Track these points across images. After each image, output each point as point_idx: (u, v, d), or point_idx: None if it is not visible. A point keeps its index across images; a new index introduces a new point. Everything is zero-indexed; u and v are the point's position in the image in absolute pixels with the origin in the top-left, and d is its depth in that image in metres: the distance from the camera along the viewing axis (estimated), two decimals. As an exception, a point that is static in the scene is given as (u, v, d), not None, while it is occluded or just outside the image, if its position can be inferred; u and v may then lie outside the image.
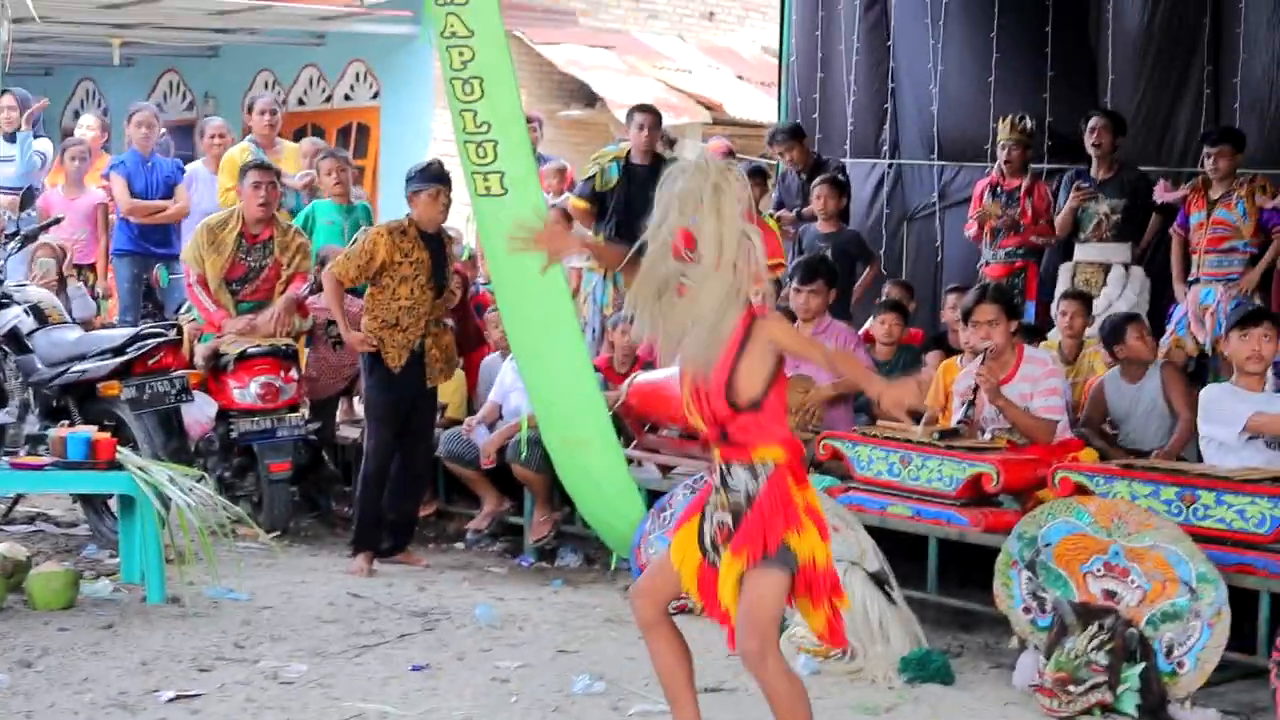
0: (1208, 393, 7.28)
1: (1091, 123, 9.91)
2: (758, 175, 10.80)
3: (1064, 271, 10.01)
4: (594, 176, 10.38)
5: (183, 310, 9.89)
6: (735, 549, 4.88)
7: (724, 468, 4.92)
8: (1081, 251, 9.95)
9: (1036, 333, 9.08)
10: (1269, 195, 9.29)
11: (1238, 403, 6.99)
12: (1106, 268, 9.86)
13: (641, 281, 4.88)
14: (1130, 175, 9.90)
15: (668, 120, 15.38)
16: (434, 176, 8.48)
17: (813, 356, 5.10)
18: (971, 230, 10.51)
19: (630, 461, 8.42)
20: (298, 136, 13.42)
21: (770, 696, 4.93)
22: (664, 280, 4.82)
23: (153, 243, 11.56)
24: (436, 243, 8.52)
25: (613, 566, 8.46)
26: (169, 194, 11.57)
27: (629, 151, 10.37)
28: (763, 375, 4.85)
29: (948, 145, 11.56)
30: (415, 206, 8.46)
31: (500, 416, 9.24)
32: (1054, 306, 9.80)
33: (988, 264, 10.37)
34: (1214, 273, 9.38)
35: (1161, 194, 9.74)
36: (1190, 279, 9.52)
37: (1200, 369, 9.46)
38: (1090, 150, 9.91)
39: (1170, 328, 9.53)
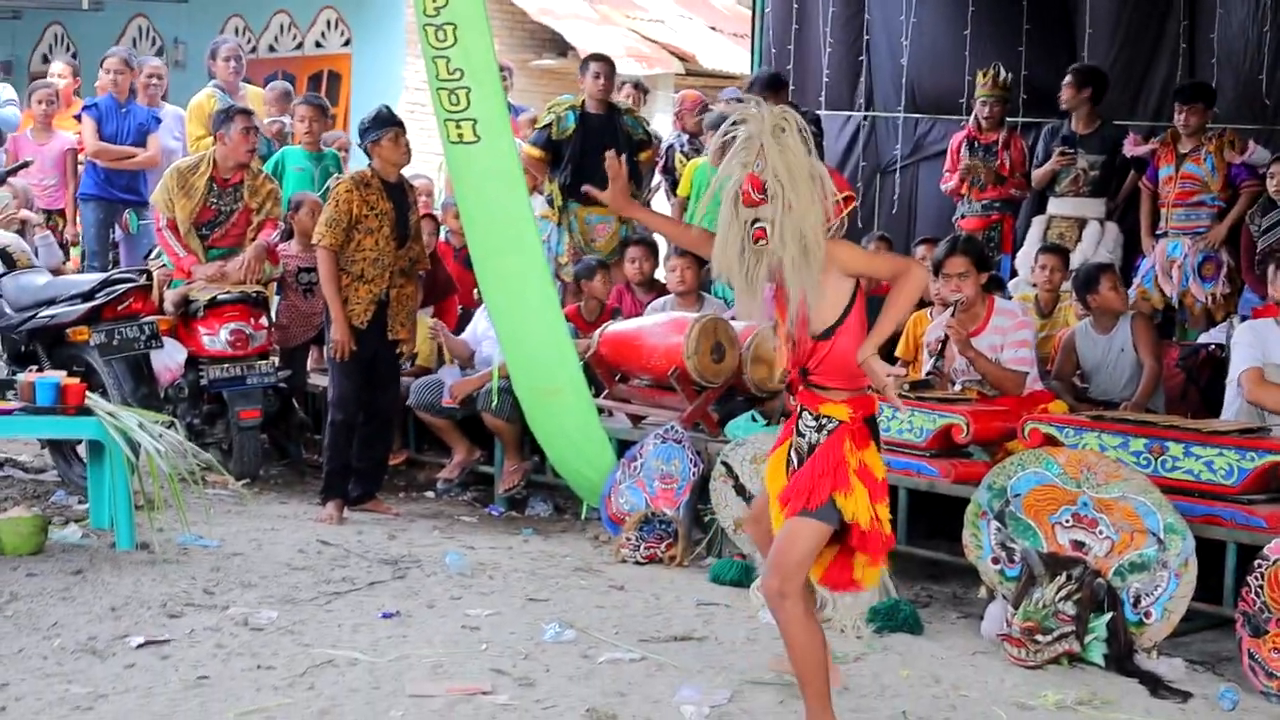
0: (1243, 326, 7.23)
1: (1065, 79, 9.92)
2: None
3: (1037, 224, 10.00)
4: (550, 125, 10.34)
5: (152, 256, 9.84)
6: (782, 500, 5.08)
7: (799, 410, 5.11)
8: (1056, 205, 9.95)
9: (1003, 286, 9.10)
10: (1237, 151, 9.30)
11: (1260, 342, 6.92)
12: (1081, 222, 9.84)
13: (722, 245, 4.98)
14: (1110, 131, 9.88)
15: (641, 71, 15.41)
16: (390, 120, 8.43)
17: (880, 271, 5.12)
18: (951, 184, 10.49)
19: (601, 411, 8.43)
20: (269, 84, 13.33)
21: (784, 636, 5.08)
22: (742, 232, 4.92)
23: (119, 188, 11.45)
24: (399, 192, 8.48)
25: (583, 516, 8.47)
26: (140, 141, 11.48)
27: (584, 100, 10.34)
28: (837, 303, 4.97)
29: (922, 98, 11.53)
30: (378, 154, 8.39)
31: (471, 359, 9.24)
32: (1019, 259, 9.81)
33: (964, 217, 10.36)
34: (1182, 226, 9.39)
35: (1131, 148, 9.75)
36: (1158, 232, 9.53)
37: (1166, 322, 9.49)
38: (1063, 105, 9.92)
39: (1136, 280, 9.54)
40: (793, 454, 5.14)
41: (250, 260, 9.17)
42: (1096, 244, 9.71)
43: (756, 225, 4.88)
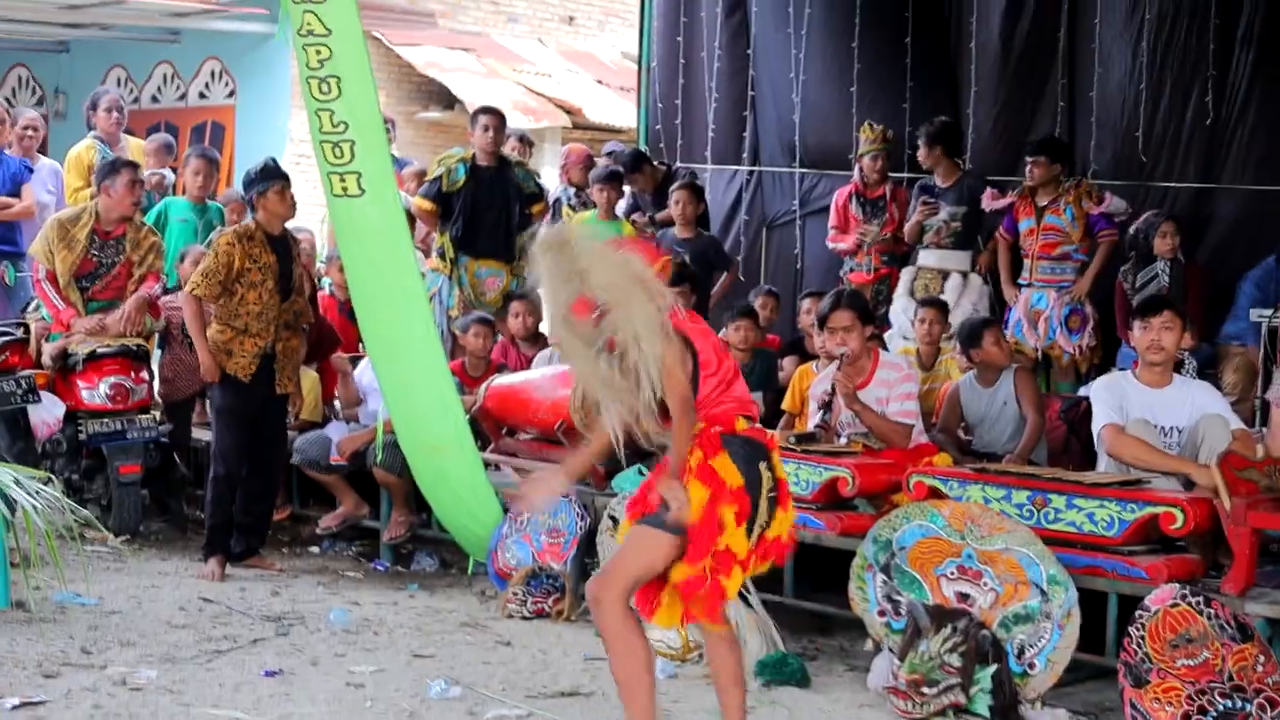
0: (1103, 381, 7.32)
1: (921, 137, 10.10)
2: (615, 179, 10.83)
3: (905, 276, 10.10)
4: (440, 177, 10.31)
5: (30, 308, 9.68)
6: (626, 509, 5.13)
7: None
8: (922, 257, 10.06)
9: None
10: (1095, 201, 9.47)
11: (1117, 396, 7.01)
12: (944, 274, 9.95)
13: (585, 371, 4.95)
14: (970, 182, 10.02)
15: (528, 124, 15.44)
16: (276, 173, 8.40)
17: (669, 393, 4.97)
18: (845, 244, 10.49)
19: (487, 465, 8.39)
20: (151, 135, 13.19)
21: (604, 643, 5.07)
22: (592, 345, 4.90)
23: (-4, 239, 11.30)
24: (282, 245, 8.42)
25: (470, 571, 8.41)
26: (15, 192, 11.30)
27: (474, 153, 10.33)
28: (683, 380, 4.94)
29: (808, 153, 11.64)
30: (263, 207, 8.35)
31: (358, 405, 9.19)
32: (892, 311, 9.90)
33: (853, 271, 10.41)
34: (1047, 279, 9.53)
35: (989, 202, 9.84)
36: (1023, 283, 9.64)
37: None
38: (921, 162, 10.11)
39: (1008, 332, 9.64)
40: None
41: (130, 312, 9.06)
42: (958, 296, 9.81)
43: (605, 337, 4.89)
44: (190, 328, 8.44)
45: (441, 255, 10.33)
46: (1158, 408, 6.95)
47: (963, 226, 9.92)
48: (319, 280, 10.46)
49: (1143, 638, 5.79)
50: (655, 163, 11.60)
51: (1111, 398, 7.00)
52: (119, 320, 9.02)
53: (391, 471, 8.58)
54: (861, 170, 10.50)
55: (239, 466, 8.39)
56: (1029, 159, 9.55)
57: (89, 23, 16.56)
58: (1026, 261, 9.63)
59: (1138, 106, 10.10)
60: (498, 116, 10.48)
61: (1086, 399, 8.41)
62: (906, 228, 10.12)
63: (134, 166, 9.31)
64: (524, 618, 7.54)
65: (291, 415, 8.96)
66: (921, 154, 10.07)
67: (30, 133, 11.63)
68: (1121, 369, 8.66)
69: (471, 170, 10.24)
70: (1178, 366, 7.39)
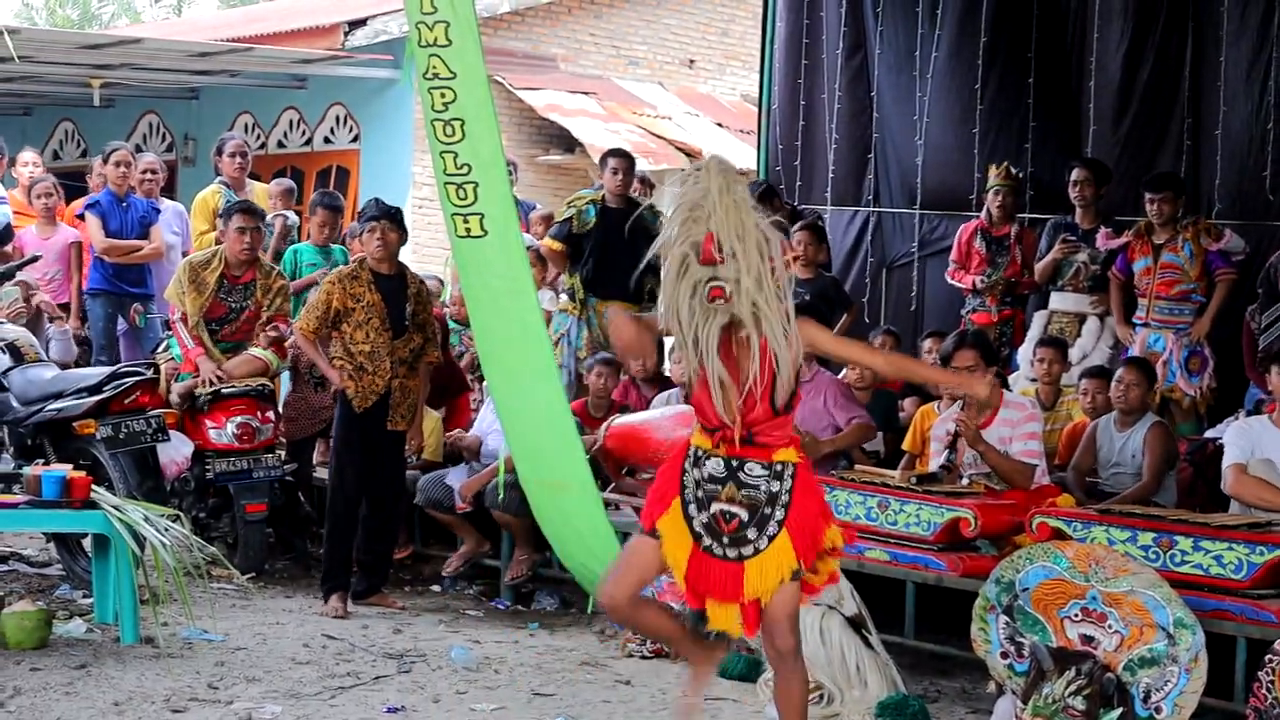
0: (1237, 425, 7.23)
1: (1074, 175, 9.91)
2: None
3: (1038, 319, 10.00)
4: (570, 219, 10.39)
5: (160, 349, 9.86)
6: (796, 548, 5.04)
7: (732, 461, 5.04)
8: (1058, 300, 9.95)
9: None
10: (1213, 238, 9.31)
11: (1250, 440, 6.91)
12: (1082, 318, 9.85)
13: (673, 294, 4.93)
14: (1110, 227, 9.90)
15: (647, 166, 15.48)
16: (370, 213, 8.53)
17: (853, 356, 5.42)
18: (965, 284, 10.41)
19: (608, 505, 8.38)
20: (276, 179, 13.41)
21: (789, 690, 5.17)
22: (694, 286, 4.89)
23: (128, 282, 11.51)
24: (391, 284, 8.50)
25: (589, 610, 8.41)
26: (144, 234, 11.54)
27: (604, 195, 10.40)
28: (792, 377, 5.02)
29: (929, 194, 11.58)
30: (362, 247, 8.55)
31: (479, 454, 9.23)
32: (1020, 353, 9.79)
33: (975, 311, 10.32)
34: (1165, 319, 9.37)
35: (1104, 241, 9.70)
36: (1138, 322, 9.50)
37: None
38: (1074, 201, 9.93)
39: (1123, 370, 9.51)
40: (736, 509, 5.06)
41: (248, 359, 9.24)
42: (1096, 339, 9.70)
43: (713, 284, 4.86)
44: (310, 356, 8.69)
45: (571, 296, 10.40)
46: None
47: (1101, 270, 9.79)
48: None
49: (1272, 682, 5.69)
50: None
51: (1244, 441, 6.94)
52: (239, 365, 9.18)
53: (509, 511, 8.62)
54: (987, 208, 10.41)
55: (357, 500, 8.48)
56: (1153, 196, 9.39)
57: (218, 70, 16.88)
58: (1143, 301, 9.50)
59: (1264, 145, 9.94)
60: (627, 159, 10.56)
61: (1212, 441, 8.31)
62: (1039, 266, 9.99)
63: (248, 214, 9.38)
64: (643, 657, 7.55)
65: (413, 455, 9.03)
66: (1088, 193, 9.84)
67: (150, 175, 11.87)
68: (1250, 411, 8.53)
69: (601, 212, 10.30)
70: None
